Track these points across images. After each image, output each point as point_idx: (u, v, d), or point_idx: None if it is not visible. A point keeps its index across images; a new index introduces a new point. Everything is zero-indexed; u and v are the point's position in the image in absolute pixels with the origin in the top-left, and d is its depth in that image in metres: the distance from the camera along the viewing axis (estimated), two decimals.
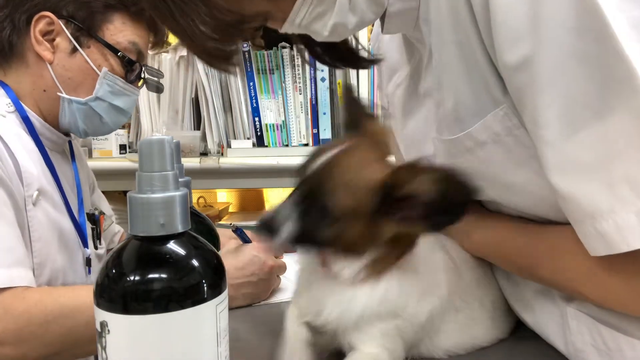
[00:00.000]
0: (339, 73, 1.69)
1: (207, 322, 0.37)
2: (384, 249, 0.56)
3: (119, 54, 0.95)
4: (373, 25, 0.93)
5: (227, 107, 1.71)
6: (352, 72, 1.63)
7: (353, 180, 0.53)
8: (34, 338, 0.73)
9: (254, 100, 1.69)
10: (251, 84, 1.69)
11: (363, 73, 1.63)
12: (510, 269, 0.68)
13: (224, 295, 0.39)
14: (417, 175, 0.51)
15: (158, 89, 1.11)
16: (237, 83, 1.69)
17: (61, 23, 0.92)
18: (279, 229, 0.53)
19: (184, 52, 1.71)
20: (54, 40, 0.92)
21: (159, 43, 1.06)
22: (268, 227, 0.54)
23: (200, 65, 1.67)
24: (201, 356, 0.37)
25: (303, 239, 0.55)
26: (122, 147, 1.72)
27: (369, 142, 0.59)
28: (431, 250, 0.63)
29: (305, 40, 0.70)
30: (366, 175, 0.54)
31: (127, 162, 1.67)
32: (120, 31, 0.96)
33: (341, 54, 0.72)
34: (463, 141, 0.59)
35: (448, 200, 0.51)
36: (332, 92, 1.69)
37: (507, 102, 0.54)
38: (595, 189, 0.47)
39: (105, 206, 1.18)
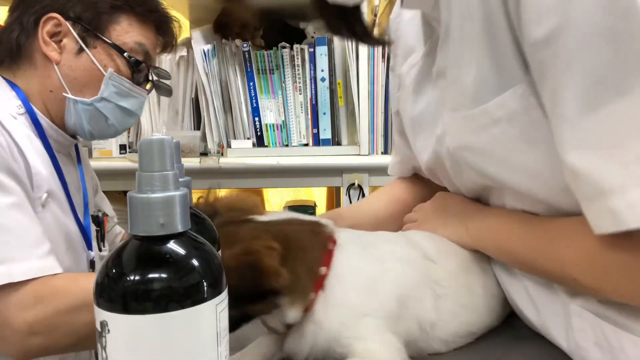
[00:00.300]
0: (339, 73, 1.69)
1: (207, 321, 0.37)
2: (289, 289, 0.57)
3: (125, 54, 0.95)
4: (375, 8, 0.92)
5: (227, 107, 1.71)
6: (352, 72, 1.63)
7: None
8: (63, 326, 0.73)
9: (254, 100, 1.69)
10: (251, 84, 1.69)
11: (363, 74, 1.63)
12: (507, 261, 0.68)
13: (224, 295, 0.39)
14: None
15: (167, 91, 1.11)
16: (237, 83, 1.69)
17: (68, 24, 0.92)
18: None
19: (184, 52, 1.71)
20: (61, 41, 0.93)
21: (168, 45, 1.07)
22: None
23: (200, 65, 1.67)
24: (201, 356, 0.37)
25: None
26: (122, 147, 1.72)
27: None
28: (371, 246, 0.65)
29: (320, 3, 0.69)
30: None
31: (127, 162, 1.67)
32: (127, 32, 0.96)
33: (352, 25, 0.72)
34: (478, 118, 0.59)
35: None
36: (332, 92, 1.69)
37: (526, 80, 0.54)
38: (609, 166, 0.47)
39: (108, 208, 1.18)
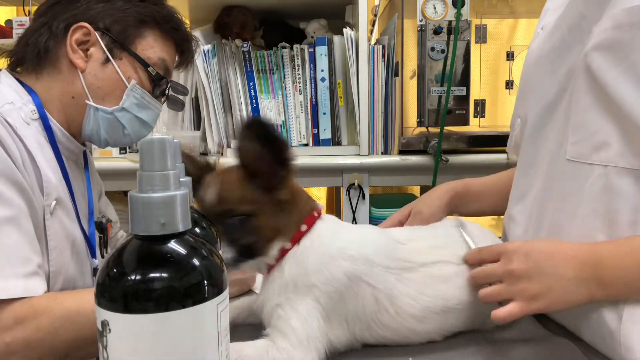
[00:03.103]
0: (339, 73, 1.69)
1: (208, 321, 0.37)
2: (286, 218, 0.69)
3: (149, 68, 0.97)
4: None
5: (227, 107, 1.71)
6: (352, 72, 1.63)
7: (239, 190, 0.67)
8: (42, 345, 0.73)
9: (254, 100, 1.69)
10: (251, 84, 1.69)
11: (363, 74, 1.63)
12: None
13: (225, 294, 0.39)
14: (239, 155, 0.66)
15: (181, 105, 1.14)
16: (237, 83, 1.69)
17: (97, 34, 0.94)
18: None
19: None
20: (87, 50, 0.95)
21: (184, 63, 1.10)
22: None
23: (200, 65, 1.67)
24: (202, 356, 0.37)
25: (241, 257, 0.67)
26: (123, 147, 1.72)
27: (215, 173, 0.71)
28: (334, 231, 0.72)
29: None
30: (236, 179, 0.68)
31: (127, 162, 1.67)
32: (152, 47, 0.99)
33: None
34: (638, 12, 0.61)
35: (267, 141, 0.64)
36: (332, 92, 1.69)
37: None
38: None
39: (112, 212, 1.19)
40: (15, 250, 0.75)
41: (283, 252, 0.69)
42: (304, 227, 0.70)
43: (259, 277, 0.96)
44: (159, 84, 1.01)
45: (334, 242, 0.70)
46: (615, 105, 0.64)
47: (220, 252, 0.63)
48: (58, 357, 0.75)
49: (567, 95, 0.72)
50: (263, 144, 0.64)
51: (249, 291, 0.95)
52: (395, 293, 0.68)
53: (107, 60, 0.95)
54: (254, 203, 0.67)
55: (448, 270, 0.71)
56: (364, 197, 1.67)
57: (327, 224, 0.72)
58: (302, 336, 0.64)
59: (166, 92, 1.06)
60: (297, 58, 1.69)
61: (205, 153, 1.73)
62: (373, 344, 0.70)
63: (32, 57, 0.94)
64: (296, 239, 0.69)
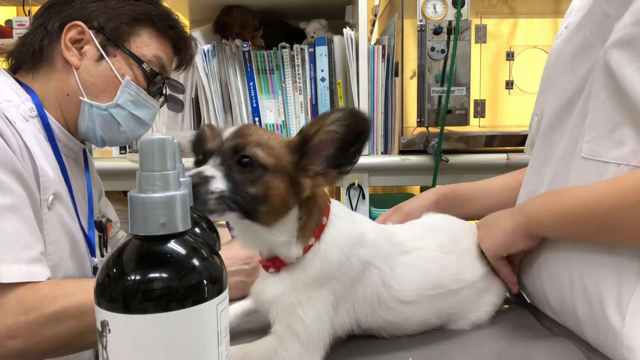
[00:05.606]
0: (339, 73, 1.69)
1: (207, 321, 0.37)
2: (305, 213, 0.66)
3: (143, 64, 0.97)
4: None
5: (227, 107, 1.71)
6: (352, 72, 1.63)
7: (268, 141, 0.62)
8: (45, 330, 0.73)
9: (254, 100, 1.69)
10: (251, 84, 1.69)
11: (363, 74, 1.63)
12: (567, 227, 0.70)
13: (225, 294, 0.39)
14: (321, 125, 0.62)
15: (179, 105, 1.14)
16: (237, 83, 1.69)
17: (91, 32, 0.95)
18: (207, 185, 0.58)
19: None
20: (82, 47, 0.96)
21: (183, 63, 1.10)
22: (195, 183, 0.58)
23: (200, 65, 1.67)
24: (202, 356, 0.37)
25: (232, 199, 0.60)
26: (122, 147, 1.72)
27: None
28: (347, 222, 0.71)
29: None
30: (277, 138, 0.64)
31: (127, 162, 1.67)
32: (146, 45, 0.99)
33: None
34: None
35: (353, 131, 0.62)
36: (332, 92, 1.69)
37: None
38: None
39: (112, 212, 1.19)
40: (17, 237, 0.76)
41: (306, 249, 0.67)
42: (324, 220, 0.68)
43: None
44: (154, 82, 1.01)
45: (351, 234, 0.70)
46: (631, 103, 0.63)
47: (203, 182, 0.58)
48: (60, 344, 0.75)
49: (585, 93, 0.72)
50: (347, 135, 0.62)
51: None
52: (397, 272, 0.72)
53: (101, 57, 0.95)
54: (279, 162, 0.62)
55: (430, 255, 0.76)
56: (364, 197, 1.67)
57: (339, 215, 0.71)
58: (315, 333, 0.65)
59: (163, 90, 1.05)
60: (297, 58, 1.69)
61: None
62: (375, 329, 0.73)
63: (27, 56, 0.95)
64: (318, 233, 0.67)
